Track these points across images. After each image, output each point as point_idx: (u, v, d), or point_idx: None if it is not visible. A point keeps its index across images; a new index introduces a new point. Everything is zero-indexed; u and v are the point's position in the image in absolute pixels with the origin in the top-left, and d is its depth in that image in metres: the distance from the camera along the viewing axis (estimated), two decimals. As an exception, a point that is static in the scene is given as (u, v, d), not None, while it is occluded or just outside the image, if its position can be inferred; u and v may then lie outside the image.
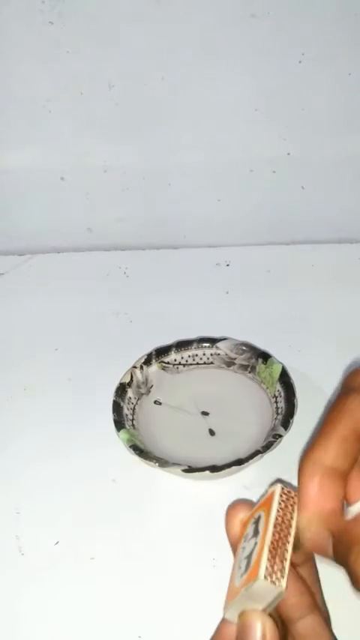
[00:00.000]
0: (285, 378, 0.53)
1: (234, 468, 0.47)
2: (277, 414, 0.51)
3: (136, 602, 0.44)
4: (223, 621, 0.30)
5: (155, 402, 0.55)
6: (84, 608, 0.44)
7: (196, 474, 0.47)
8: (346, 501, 0.28)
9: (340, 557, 0.26)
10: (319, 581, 0.32)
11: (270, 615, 0.28)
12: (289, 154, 0.69)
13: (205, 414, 0.54)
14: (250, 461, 0.47)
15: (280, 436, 0.48)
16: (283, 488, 0.29)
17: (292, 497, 0.29)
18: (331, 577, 0.30)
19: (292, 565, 0.29)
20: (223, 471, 0.47)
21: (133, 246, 0.74)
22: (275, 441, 0.48)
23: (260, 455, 0.47)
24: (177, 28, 0.61)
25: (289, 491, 0.29)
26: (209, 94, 0.66)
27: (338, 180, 0.71)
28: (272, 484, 0.30)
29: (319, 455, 0.27)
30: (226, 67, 0.64)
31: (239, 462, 0.47)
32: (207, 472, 0.46)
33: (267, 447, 0.48)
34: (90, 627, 0.43)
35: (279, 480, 0.35)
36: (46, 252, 0.74)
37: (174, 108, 0.66)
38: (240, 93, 0.65)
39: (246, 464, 0.47)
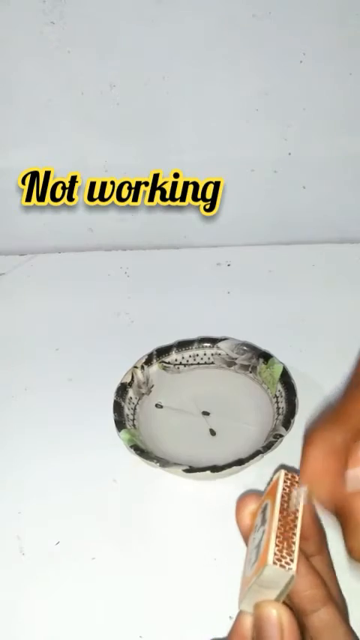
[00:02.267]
0: (286, 379, 0.53)
1: (235, 468, 0.47)
2: (278, 414, 0.51)
3: (137, 601, 0.44)
4: (240, 613, 0.30)
5: (156, 405, 0.55)
6: (85, 608, 0.44)
7: (197, 474, 0.47)
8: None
9: (340, 527, 0.26)
10: (333, 571, 0.32)
11: (285, 604, 0.28)
12: (290, 153, 0.69)
13: (205, 414, 0.54)
14: (251, 461, 0.47)
15: (281, 436, 0.48)
16: (287, 474, 0.29)
17: (297, 482, 0.29)
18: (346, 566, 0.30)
19: (305, 557, 0.29)
20: (223, 471, 0.46)
21: (134, 246, 0.74)
22: (276, 441, 0.48)
23: (261, 455, 0.47)
24: (177, 28, 0.61)
25: (293, 476, 0.29)
26: (210, 94, 0.66)
27: (339, 180, 0.71)
28: (277, 470, 0.30)
29: (328, 435, 0.28)
30: (226, 66, 0.64)
31: (240, 462, 0.47)
32: (208, 472, 0.46)
33: (268, 447, 0.48)
34: (91, 627, 0.43)
35: (282, 466, 0.35)
36: (47, 252, 0.74)
37: (174, 108, 0.66)
38: (241, 93, 0.65)
39: (247, 464, 0.47)
